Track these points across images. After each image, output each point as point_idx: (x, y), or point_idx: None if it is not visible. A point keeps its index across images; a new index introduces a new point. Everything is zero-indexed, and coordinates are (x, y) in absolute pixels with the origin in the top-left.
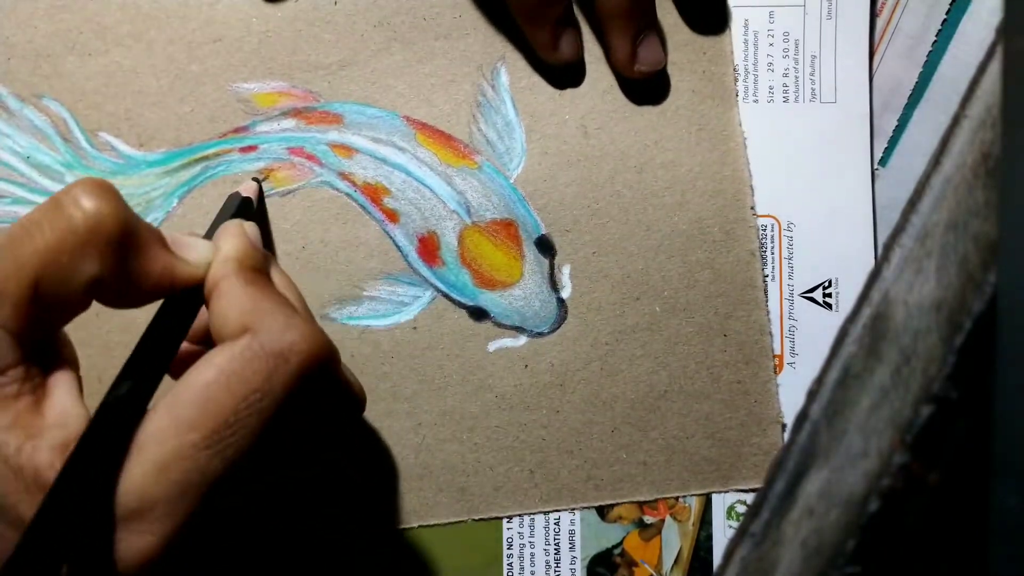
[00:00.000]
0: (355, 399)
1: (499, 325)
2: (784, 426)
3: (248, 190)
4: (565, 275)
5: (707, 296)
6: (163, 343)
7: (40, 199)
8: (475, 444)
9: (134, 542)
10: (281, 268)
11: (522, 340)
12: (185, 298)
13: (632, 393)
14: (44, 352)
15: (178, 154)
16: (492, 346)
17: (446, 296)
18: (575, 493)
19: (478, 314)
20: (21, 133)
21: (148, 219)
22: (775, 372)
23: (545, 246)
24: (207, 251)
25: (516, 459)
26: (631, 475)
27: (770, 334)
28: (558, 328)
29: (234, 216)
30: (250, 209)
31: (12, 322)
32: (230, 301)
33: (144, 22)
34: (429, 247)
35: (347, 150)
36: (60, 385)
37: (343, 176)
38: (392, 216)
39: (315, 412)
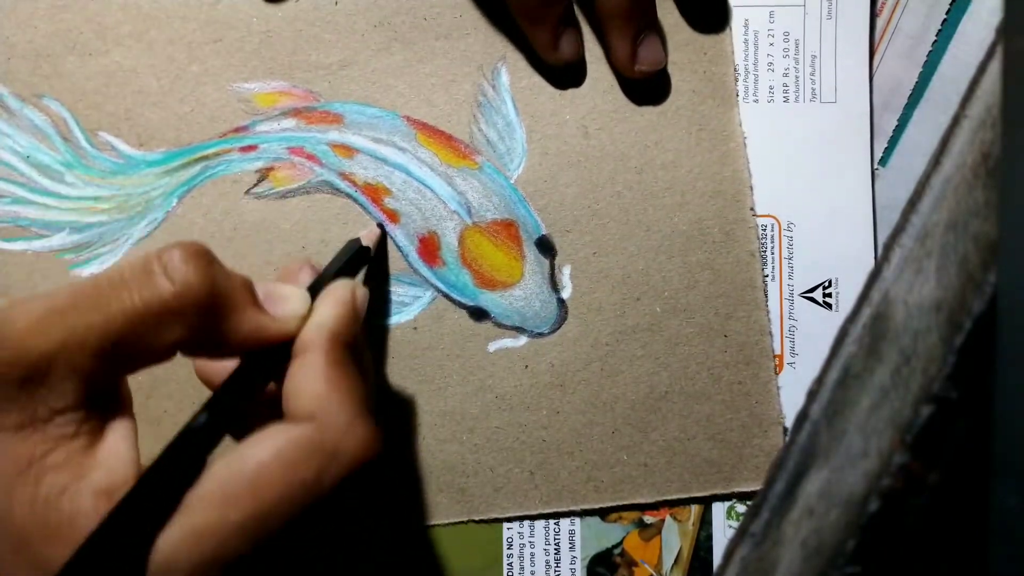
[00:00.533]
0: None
1: (499, 325)
2: (785, 427)
3: (368, 238)
4: (565, 275)
5: (707, 297)
6: (234, 398)
7: (40, 199)
8: (475, 445)
9: None
10: (366, 344)
11: (522, 340)
12: (271, 352)
13: (632, 394)
14: (108, 395)
15: (178, 154)
16: (492, 346)
17: (446, 296)
18: (575, 495)
19: (478, 314)
20: (21, 133)
21: (148, 219)
22: (776, 373)
23: (545, 246)
24: (301, 306)
25: (516, 460)
26: (632, 477)
27: (770, 335)
28: (558, 328)
29: (349, 261)
30: (365, 259)
31: (87, 370)
32: (308, 378)
33: (144, 22)
34: (430, 247)
35: (347, 150)
36: (117, 430)
37: (343, 176)
38: (392, 216)
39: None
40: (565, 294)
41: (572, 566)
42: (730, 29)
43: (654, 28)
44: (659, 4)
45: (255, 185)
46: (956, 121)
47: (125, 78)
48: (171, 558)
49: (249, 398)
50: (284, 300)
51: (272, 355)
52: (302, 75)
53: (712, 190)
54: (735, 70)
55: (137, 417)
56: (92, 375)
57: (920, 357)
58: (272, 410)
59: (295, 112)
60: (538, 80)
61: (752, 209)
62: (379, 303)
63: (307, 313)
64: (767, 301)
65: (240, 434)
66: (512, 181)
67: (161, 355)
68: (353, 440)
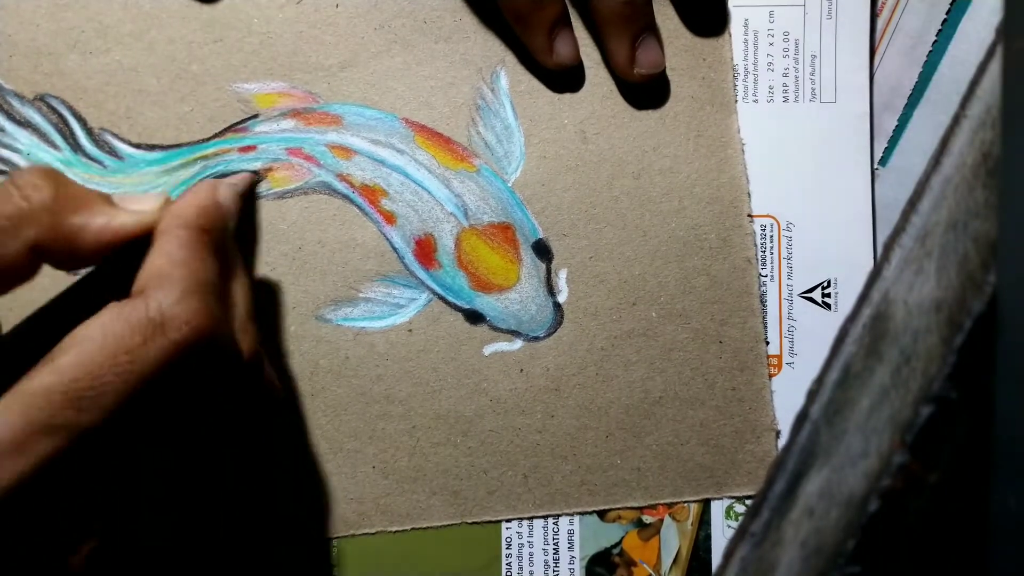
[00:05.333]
0: (267, 396)
1: (495, 329)
2: (778, 434)
3: (237, 178)
4: (562, 279)
5: (703, 302)
6: (91, 289)
7: None
8: (469, 448)
9: None
10: (242, 263)
11: (518, 344)
12: (132, 248)
13: (627, 399)
14: None
15: (177, 153)
16: (488, 350)
17: (442, 299)
18: (569, 498)
19: (474, 317)
20: (21, 130)
21: None
22: (769, 379)
23: (542, 250)
24: (154, 202)
25: (510, 463)
26: (625, 481)
27: (766, 341)
28: (554, 332)
29: None
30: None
31: None
32: (154, 258)
33: (145, 21)
34: (426, 249)
35: (346, 151)
36: None
37: (341, 177)
38: (389, 218)
39: (203, 395)
40: (561, 298)
41: (571, 566)
42: (729, 35)
43: (652, 31)
44: (657, 10)
45: (254, 185)
46: (956, 121)
47: (126, 77)
48: (2, 424)
49: (112, 293)
50: (137, 200)
51: (132, 254)
52: (302, 76)
53: (709, 196)
54: (734, 76)
55: None
56: None
57: (920, 357)
58: None
59: (294, 113)
60: (537, 84)
61: (749, 215)
62: (249, 249)
63: (163, 208)
64: (763, 308)
65: None
66: (510, 184)
67: (23, 264)
68: (182, 312)
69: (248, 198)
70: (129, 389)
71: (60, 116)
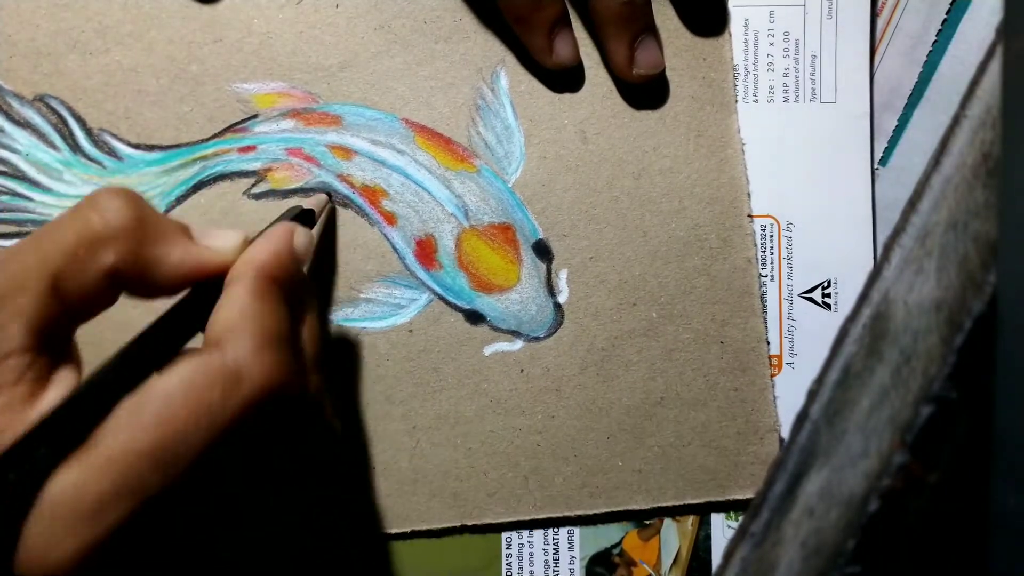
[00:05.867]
0: (331, 436)
1: (495, 329)
2: (781, 436)
3: (314, 203)
4: (562, 280)
5: (704, 303)
6: (166, 335)
7: (38, 196)
8: (469, 449)
9: (52, 543)
10: (315, 309)
11: (518, 344)
12: (207, 289)
13: (628, 400)
14: (57, 350)
15: (176, 153)
16: (488, 350)
17: (443, 299)
18: (570, 500)
19: (474, 318)
20: (21, 131)
21: None
22: (772, 380)
23: (542, 251)
24: (233, 240)
25: (510, 465)
26: (626, 483)
27: (767, 342)
28: (554, 333)
29: (293, 220)
30: (307, 221)
31: (29, 310)
32: (225, 307)
33: (145, 22)
34: (426, 250)
35: (346, 152)
36: (61, 381)
37: (341, 178)
38: (390, 218)
39: (276, 445)
40: (561, 298)
41: (571, 566)
42: (729, 35)
43: (651, 31)
44: (657, 10)
45: (253, 186)
46: (956, 121)
47: (125, 77)
48: (80, 488)
49: (182, 337)
50: (214, 236)
51: (207, 294)
52: (301, 76)
53: (710, 196)
54: (734, 76)
55: None
56: (37, 318)
57: (920, 357)
58: None
59: (294, 113)
60: (537, 84)
61: (749, 216)
62: (326, 280)
63: (241, 248)
64: (764, 308)
65: None
66: (510, 185)
67: (99, 291)
68: (259, 367)
69: (328, 221)
70: (208, 445)
71: (59, 116)
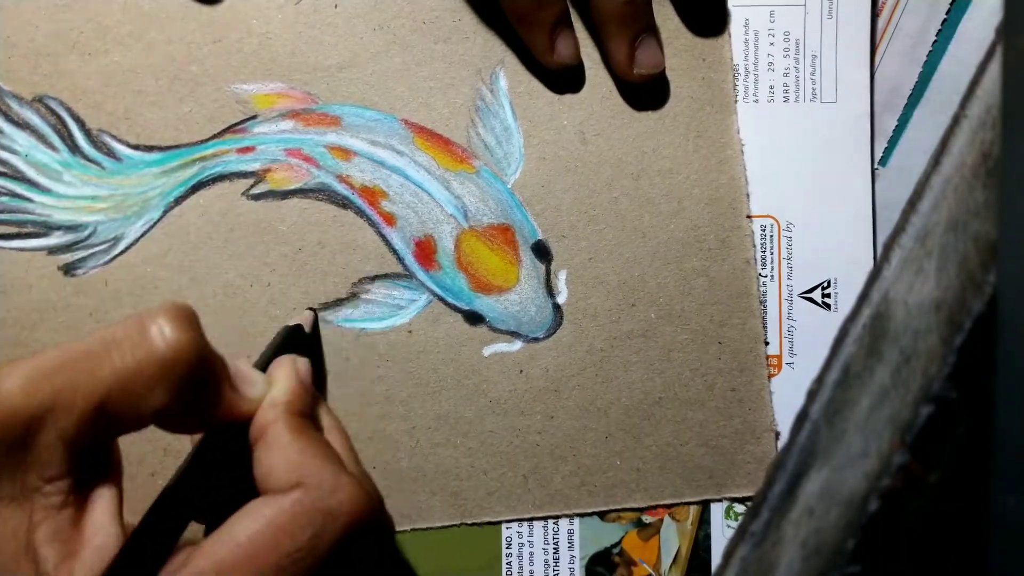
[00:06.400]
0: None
1: (494, 330)
2: (778, 435)
3: (302, 319)
4: (561, 280)
5: (702, 304)
6: (198, 482)
7: (37, 197)
8: (469, 449)
9: None
10: (328, 408)
11: (517, 345)
12: (229, 435)
13: (627, 400)
14: (91, 461)
15: (176, 154)
16: (487, 351)
17: (442, 300)
18: (568, 499)
19: (474, 318)
20: (20, 132)
21: (144, 219)
22: (769, 380)
23: (542, 251)
24: (264, 388)
25: (510, 464)
26: (625, 482)
27: (765, 342)
28: (553, 333)
29: (284, 345)
30: (300, 337)
31: (71, 434)
32: (279, 451)
33: (144, 22)
34: (426, 251)
35: (345, 152)
36: (102, 499)
37: (341, 178)
38: (389, 219)
39: (356, 564)
40: (560, 299)
41: (571, 565)
42: (729, 35)
43: (652, 31)
44: (658, 10)
45: (252, 186)
46: (956, 121)
47: (124, 78)
48: None
49: (209, 480)
50: (250, 383)
51: (231, 438)
52: (300, 77)
53: (709, 197)
54: (734, 76)
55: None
56: (78, 440)
57: (920, 357)
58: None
59: (293, 114)
60: (536, 85)
61: (748, 216)
62: (317, 380)
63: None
64: (763, 308)
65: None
66: (509, 186)
67: (144, 422)
68: (346, 496)
69: (313, 331)
70: None
71: (58, 117)
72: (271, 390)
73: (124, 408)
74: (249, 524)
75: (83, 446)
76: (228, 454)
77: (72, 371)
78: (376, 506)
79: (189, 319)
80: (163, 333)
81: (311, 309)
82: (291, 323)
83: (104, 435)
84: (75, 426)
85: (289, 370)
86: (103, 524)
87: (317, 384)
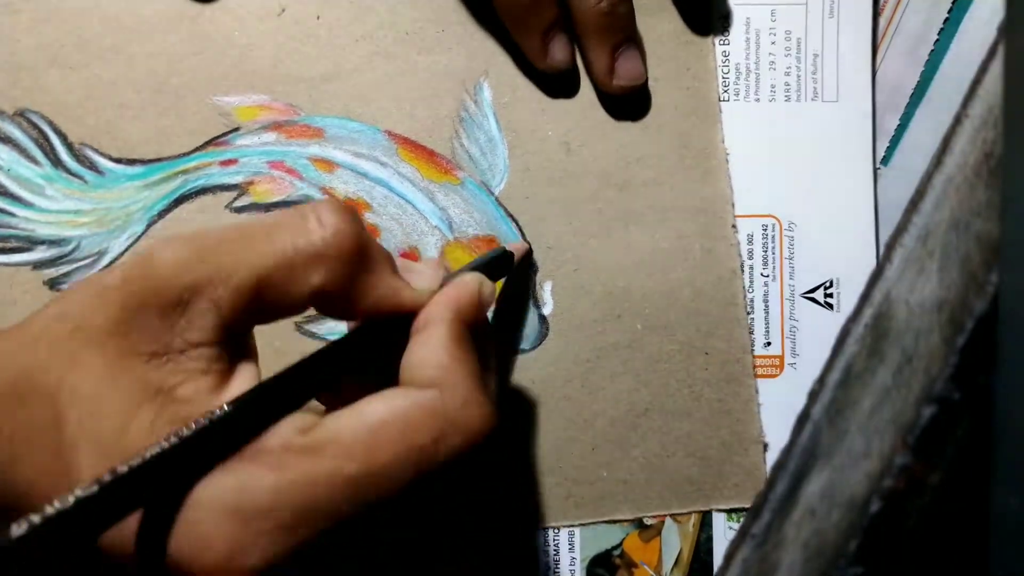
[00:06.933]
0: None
1: None
2: (766, 446)
3: (516, 248)
4: (547, 292)
5: (688, 314)
6: (346, 359)
7: (20, 211)
8: None
9: (248, 545)
10: (490, 338)
11: None
12: (390, 326)
13: (613, 411)
14: (240, 340)
15: (158, 167)
16: None
17: None
18: (555, 511)
19: None
20: (2, 146)
21: (127, 233)
22: (756, 391)
23: None
24: (434, 282)
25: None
26: (612, 493)
27: (752, 353)
28: (539, 345)
29: (489, 263)
30: (508, 265)
31: (227, 306)
32: (432, 349)
33: (125, 35)
34: None
35: (328, 164)
36: (244, 374)
37: (324, 191)
38: (373, 231)
39: (456, 479)
40: (546, 310)
41: (572, 567)
42: (712, 44)
43: (633, 41)
44: (640, 20)
45: (235, 199)
46: (958, 120)
47: (106, 91)
48: (278, 498)
49: (356, 365)
50: (418, 273)
51: (391, 327)
52: (283, 89)
53: (694, 207)
54: (718, 86)
55: None
56: (232, 313)
57: (922, 357)
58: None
59: (276, 126)
60: (520, 96)
61: (734, 227)
62: (509, 325)
63: (436, 291)
64: (749, 319)
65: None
66: (494, 197)
67: (298, 304)
68: (473, 412)
69: (521, 269)
70: (413, 481)
71: (40, 131)
72: (447, 292)
73: (281, 287)
74: (380, 408)
75: (235, 320)
76: (387, 342)
77: (232, 246)
78: (495, 427)
79: (349, 211)
80: (322, 219)
81: (529, 245)
82: (506, 247)
83: (258, 314)
84: (231, 298)
85: (472, 282)
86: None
87: (505, 328)
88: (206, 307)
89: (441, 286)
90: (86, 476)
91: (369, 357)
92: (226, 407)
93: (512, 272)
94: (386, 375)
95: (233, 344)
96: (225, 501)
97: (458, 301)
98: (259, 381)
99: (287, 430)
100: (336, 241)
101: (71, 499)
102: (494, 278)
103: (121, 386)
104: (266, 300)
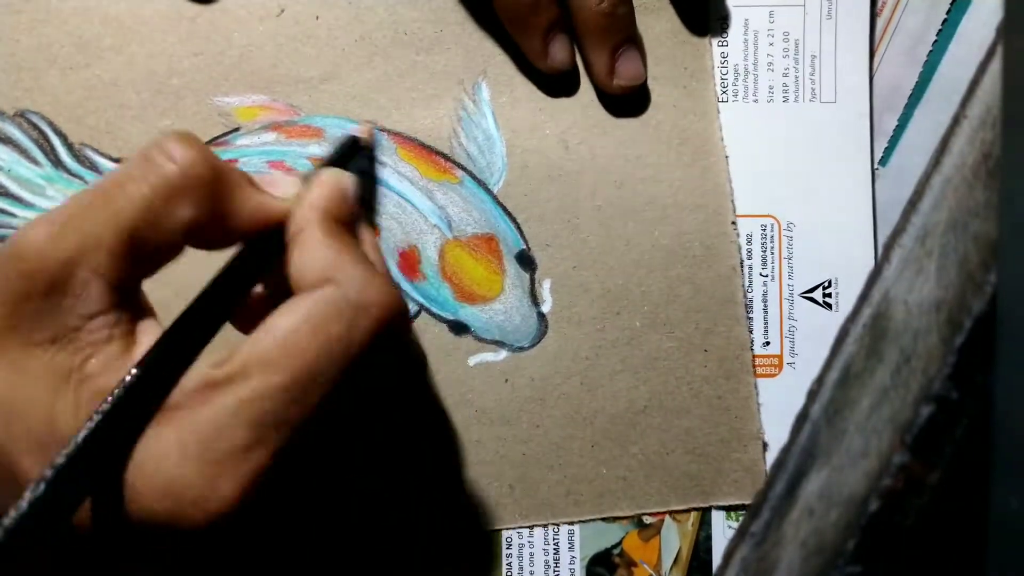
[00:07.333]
0: (420, 358)
1: (479, 339)
2: (765, 443)
3: (362, 130)
4: (546, 290)
5: (688, 311)
6: (233, 285)
7: (20, 212)
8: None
9: (213, 484)
10: (368, 227)
11: (503, 354)
12: (264, 241)
13: (612, 408)
14: (132, 300)
15: None
16: (472, 360)
17: (427, 310)
18: (555, 508)
19: (458, 328)
20: (2, 146)
21: None
22: (755, 388)
23: (526, 261)
24: (294, 188)
25: (496, 474)
26: (611, 490)
27: (751, 349)
28: (539, 343)
29: (339, 156)
30: (354, 151)
31: (108, 269)
32: (313, 251)
33: (125, 36)
34: (410, 261)
35: None
36: (148, 331)
37: None
38: (372, 230)
39: (385, 368)
40: (545, 308)
41: (571, 566)
42: (710, 43)
43: (633, 42)
44: (640, 20)
45: None
46: (956, 121)
47: (106, 92)
48: (222, 426)
49: (252, 282)
50: (277, 184)
51: (268, 242)
52: (282, 89)
53: (693, 204)
54: (715, 84)
55: None
56: (115, 275)
57: (920, 357)
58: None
59: (275, 126)
60: (518, 94)
61: (734, 223)
62: (370, 209)
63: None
64: (764, 310)
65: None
66: (492, 195)
67: (176, 244)
68: (376, 291)
69: (371, 153)
70: (339, 374)
71: (40, 132)
72: (308, 196)
73: (153, 233)
74: (288, 318)
75: (120, 280)
76: (266, 258)
77: (92, 210)
78: (402, 303)
79: (189, 138)
80: (169, 155)
81: (369, 122)
82: (354, 132)
83: (142, 266)
84: (108, 261)
85: (331, 177)
86: None
87: (367, 204)
88: (87, 277)
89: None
90: (34, 476)
91: (259, 274)
92: (134, 370)
93: (362, 157)
94: (283, 291)
95: (128, 304)
96: (175, 450)
97: (322, 199)
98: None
99: (203, 369)
100: (190, 170)
101: (24, 505)
102: (348, 167)
103: (32, 380)
104: (143, 250)
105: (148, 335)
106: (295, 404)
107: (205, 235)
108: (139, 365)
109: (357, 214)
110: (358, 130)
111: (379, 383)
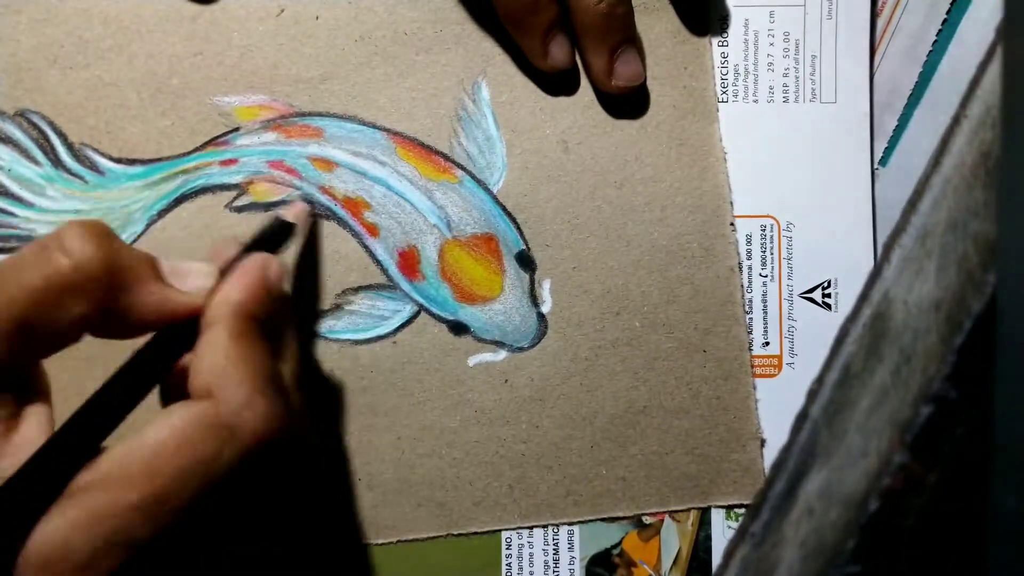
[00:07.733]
0: (312, 455)
1: (479, 340)
2: (763, 442)
3: (294, 213)
4: (545, 290)
5: (687, 312)
6: (137, 378)
7: (20, 212)
8: (454, 459)
9: None
10: (294, 327)
11: (502, 355)
12: (177, 330)
13: (612, 408)
14: (21, 382)
15: (158, 167)
16: (472, 360)
17: (426, 310)
18: (554, 509)
19: (458, 328)
20: (2, 146)
21: (127, 233)
22: (754, 388)
23: (525, 261)
24: (204, 281)
25: (495, 474)
26: (610, 491)
27: (749, 350)
28: (538, 343)
29: (268, 240)
30: (287, 236)
31: None
32: (207, 356)
33: (125, 36)
34: (409, 261)
35: (327, 164)
36: (33, 416)
37: (323, 190)
38: (372, 230)
39: (265, 490)
40: (545, 308)
41: (571, 566)
42: (709, 43)
43: (632, 42)
44: (638, 20)
45: (235, 199)
46: (956, 121)
47: (106, 92)
48: (68, 540)
49: (156, 377)
50: (189, 274)
51: (181, 333)
52: (282, 89)
53: (692, 205)
54: (715, 84)
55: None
56: (3, 359)
57: (920, 357)
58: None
59: (275, 126)
60: (518, 94)
61: (732, 224)
62: (310, 293)
63: (215, 288)
64: (763, 310)
65: None
66: (492, 195)
67: (69, 335)
68: (252, 416)
69: (310, 233)
70: (201, 495)
71: (40, 131)
72: (228, 286)
73: (44, 323)
74: (156, 430)
75: (8, 365)
76: (176, 351)
77: None
78: (285, 431)
79: (93, 230)
80: (63, 247)
81: (308, 202)
82: (285, 217)
83: (30, 353)
84: None
85: (254, 267)
86: (34, 439)
87: (306, 295)
88: None
89: (225, 274)
90: None
91: (166, 369)
92: (9, 471)
93: (299, 236)
94: None
95: (15, 386)
96: (34, 557)
97: (238, 291)
98: (50, 417)
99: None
100: (84, 267)
101: None
102: (278, 249)
103: None
104: (33, 338)
105: (34, 417)
106: (146, 524)
107: (102, 328)
108: (22, 467)
109: (283, 306)
110: (290, 211)
111: (268, 498)
